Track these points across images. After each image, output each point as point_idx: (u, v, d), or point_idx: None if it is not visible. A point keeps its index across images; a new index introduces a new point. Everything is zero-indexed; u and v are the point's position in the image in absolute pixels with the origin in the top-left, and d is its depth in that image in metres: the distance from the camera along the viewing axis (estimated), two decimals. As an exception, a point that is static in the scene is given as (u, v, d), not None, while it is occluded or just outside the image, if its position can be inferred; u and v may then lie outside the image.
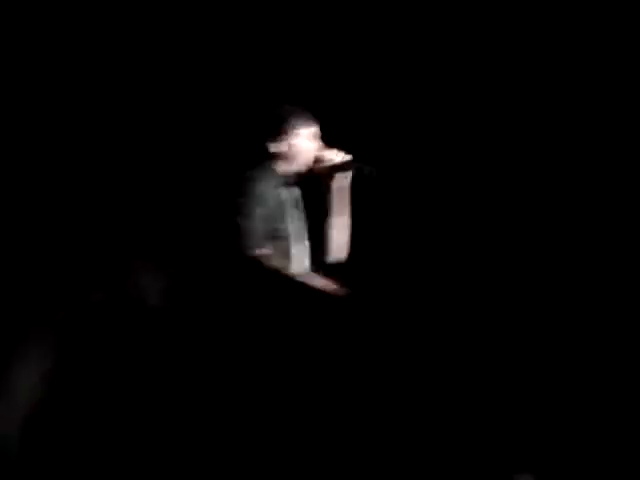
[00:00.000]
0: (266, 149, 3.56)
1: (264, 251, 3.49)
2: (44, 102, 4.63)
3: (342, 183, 3.61)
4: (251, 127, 3.67)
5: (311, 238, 3.69)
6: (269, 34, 4.65)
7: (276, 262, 3.52)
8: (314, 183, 3.65)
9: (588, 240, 4.50)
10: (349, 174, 3.59)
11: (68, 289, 2.74)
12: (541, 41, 4.50)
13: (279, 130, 3.56)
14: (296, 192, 3.67)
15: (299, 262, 3.62)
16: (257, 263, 3.31)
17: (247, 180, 3.52)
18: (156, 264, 3.04)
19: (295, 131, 3.56)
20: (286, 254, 3.57)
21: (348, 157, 3.58)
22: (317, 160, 3.58)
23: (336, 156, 3.58)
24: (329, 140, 3.64)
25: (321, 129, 3.63)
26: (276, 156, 3.56)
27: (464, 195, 4.62)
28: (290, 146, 3.56)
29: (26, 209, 4.46)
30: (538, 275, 4.54)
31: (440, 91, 4.59)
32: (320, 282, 3.58)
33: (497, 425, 3.47)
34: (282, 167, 3.58)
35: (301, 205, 3.69)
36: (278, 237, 3.56)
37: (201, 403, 2.62)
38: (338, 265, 3.70)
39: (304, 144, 3.57)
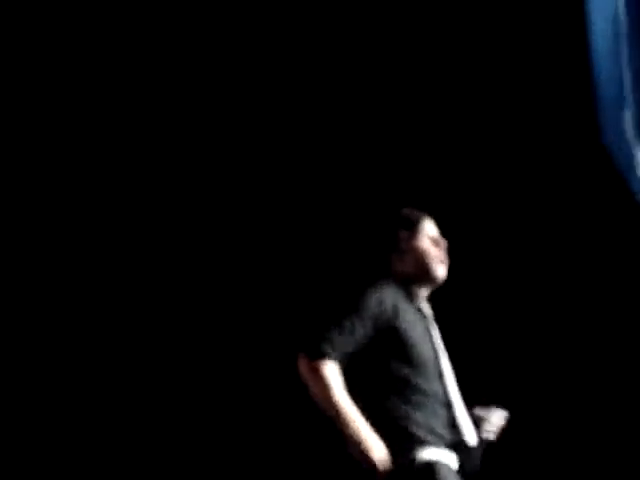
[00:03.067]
0: (387, 265, 3.07)
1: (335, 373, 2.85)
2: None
3: None
4: (366, 242, 3.18)
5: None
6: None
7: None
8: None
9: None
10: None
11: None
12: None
13: (398, 235, 3.08)
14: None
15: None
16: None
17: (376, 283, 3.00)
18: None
19: (418, 231, 3.08)
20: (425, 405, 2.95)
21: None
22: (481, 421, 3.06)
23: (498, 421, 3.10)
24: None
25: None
26: (401, 270, 3.06)
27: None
28: (416, 250, 3.05)
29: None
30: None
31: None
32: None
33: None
34: (407, 281, 3.06)
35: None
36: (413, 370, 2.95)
37: None
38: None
39: (431, 245, 3.07)
